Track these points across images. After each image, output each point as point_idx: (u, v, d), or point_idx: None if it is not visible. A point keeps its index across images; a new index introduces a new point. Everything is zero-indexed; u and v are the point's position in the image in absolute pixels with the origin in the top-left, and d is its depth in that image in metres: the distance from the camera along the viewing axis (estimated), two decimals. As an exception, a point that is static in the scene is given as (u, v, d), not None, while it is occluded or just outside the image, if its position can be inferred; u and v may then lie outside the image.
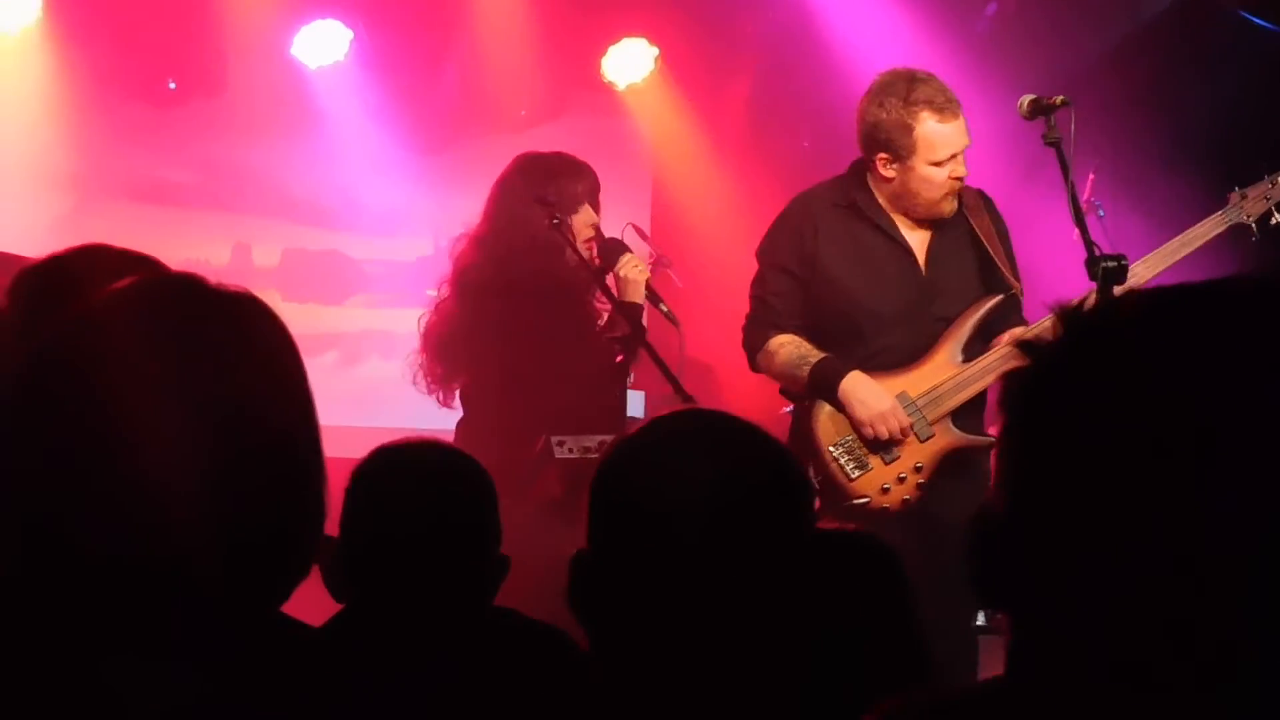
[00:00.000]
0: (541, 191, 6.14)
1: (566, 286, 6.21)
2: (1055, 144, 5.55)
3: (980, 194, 5.97)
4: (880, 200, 5.85)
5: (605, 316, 6.27)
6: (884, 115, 5.71)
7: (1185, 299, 1.51)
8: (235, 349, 1.90)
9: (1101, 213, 7.67)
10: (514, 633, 3.26)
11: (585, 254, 6.17)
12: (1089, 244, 5.48)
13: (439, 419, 8.07)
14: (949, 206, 5.80)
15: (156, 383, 1.83)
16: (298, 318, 9.43)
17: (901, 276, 5.83)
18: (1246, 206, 5.81)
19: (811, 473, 5.72)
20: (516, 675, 3.11)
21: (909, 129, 5.68)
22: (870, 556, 2.77)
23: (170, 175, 9.48)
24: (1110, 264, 5.38)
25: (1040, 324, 5.60)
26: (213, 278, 2.00)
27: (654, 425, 2.27)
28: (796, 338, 5.84)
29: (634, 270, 6.11)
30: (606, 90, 9.57)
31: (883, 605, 2.72)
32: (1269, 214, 5.82)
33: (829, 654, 2.45)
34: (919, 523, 5.53)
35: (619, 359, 6.11)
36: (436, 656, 3.10)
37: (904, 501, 5.71)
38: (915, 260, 5.84)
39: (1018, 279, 5.85)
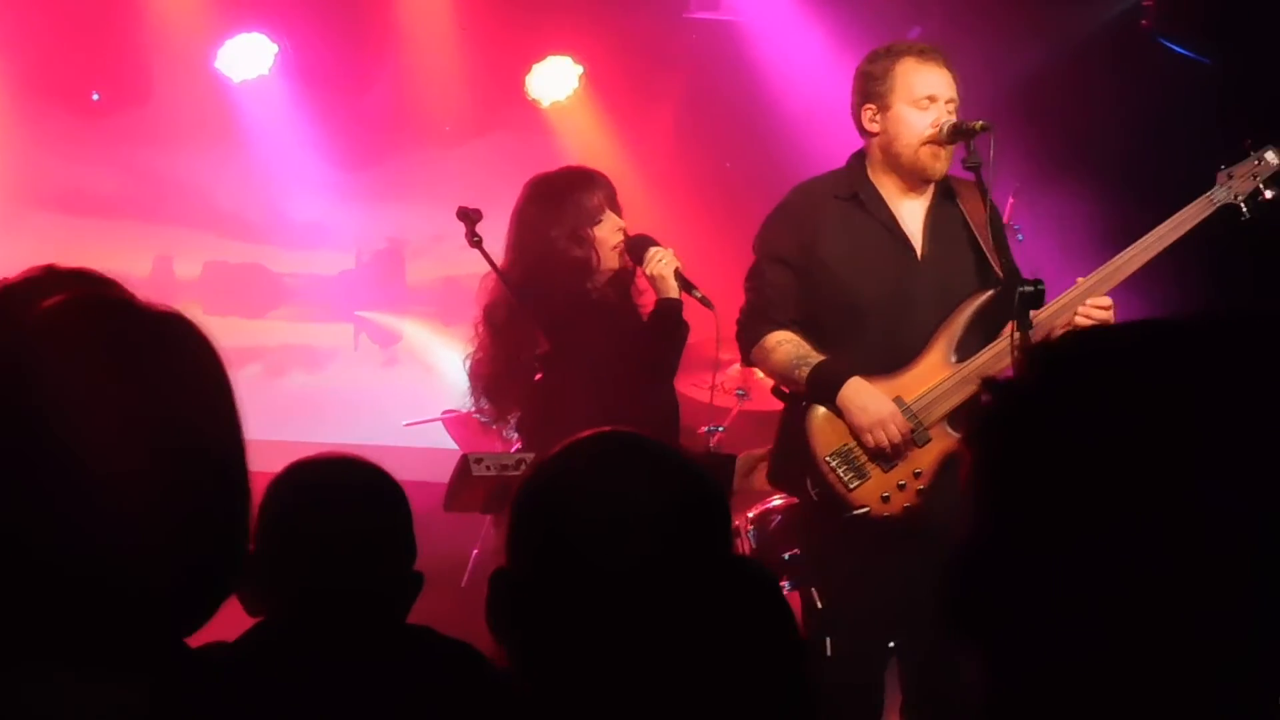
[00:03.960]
0: (557, 214, 6.11)
1: (597, 304, 6.16)
2: (975, 168, 5.56)
3: (974, 182, 5.80)
4: (876, 181, 5.81)
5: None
6: (870, 67, 5.81)
7: (1157, 332, 1.57)
8: (164, 367, 1.91)
9: (1020, 236, 7.72)
10: (429, 650, 3.25)
11: (617, 262, 6.16)
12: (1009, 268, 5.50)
13: (360, 434, 8.06)
14: (935, 164, 5.73)
15: (88, 399, 1.83)
16: (219, 331, 9.25)
17: (900, 269, 5.75)
18: (1234, 185, 5.66)
19: (809, 484, 5.66)
20: (431, 693, 3.11)
21: (889, 70, 5.73)
22: (758, 586, 2.77)
23: (93, 186, 9.43)
24: (1028, 288, 5.37)
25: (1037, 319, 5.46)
26: (138, 291, 2.02)
27: (574, 446, 2.28)
28: (795, 336, 5.74)
29: (660, 265, 6.04)
30: (531, 107, 9.58)
31: (774, 634, 2.73)
32: (1257, 191, 5.67)
33: (739, 679, 2.46)
34: (922, 530, 5.42)
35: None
36: (351, 673, 3.09)
37: (905, 509, 5.57)
38: (915, 254, 5.77)
39: (1004, 268, 5.72)
